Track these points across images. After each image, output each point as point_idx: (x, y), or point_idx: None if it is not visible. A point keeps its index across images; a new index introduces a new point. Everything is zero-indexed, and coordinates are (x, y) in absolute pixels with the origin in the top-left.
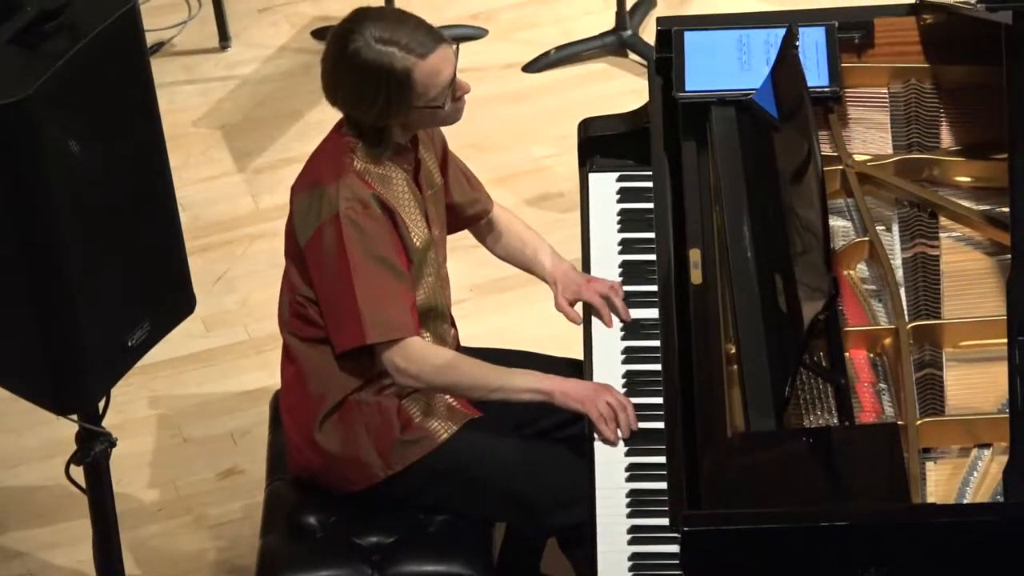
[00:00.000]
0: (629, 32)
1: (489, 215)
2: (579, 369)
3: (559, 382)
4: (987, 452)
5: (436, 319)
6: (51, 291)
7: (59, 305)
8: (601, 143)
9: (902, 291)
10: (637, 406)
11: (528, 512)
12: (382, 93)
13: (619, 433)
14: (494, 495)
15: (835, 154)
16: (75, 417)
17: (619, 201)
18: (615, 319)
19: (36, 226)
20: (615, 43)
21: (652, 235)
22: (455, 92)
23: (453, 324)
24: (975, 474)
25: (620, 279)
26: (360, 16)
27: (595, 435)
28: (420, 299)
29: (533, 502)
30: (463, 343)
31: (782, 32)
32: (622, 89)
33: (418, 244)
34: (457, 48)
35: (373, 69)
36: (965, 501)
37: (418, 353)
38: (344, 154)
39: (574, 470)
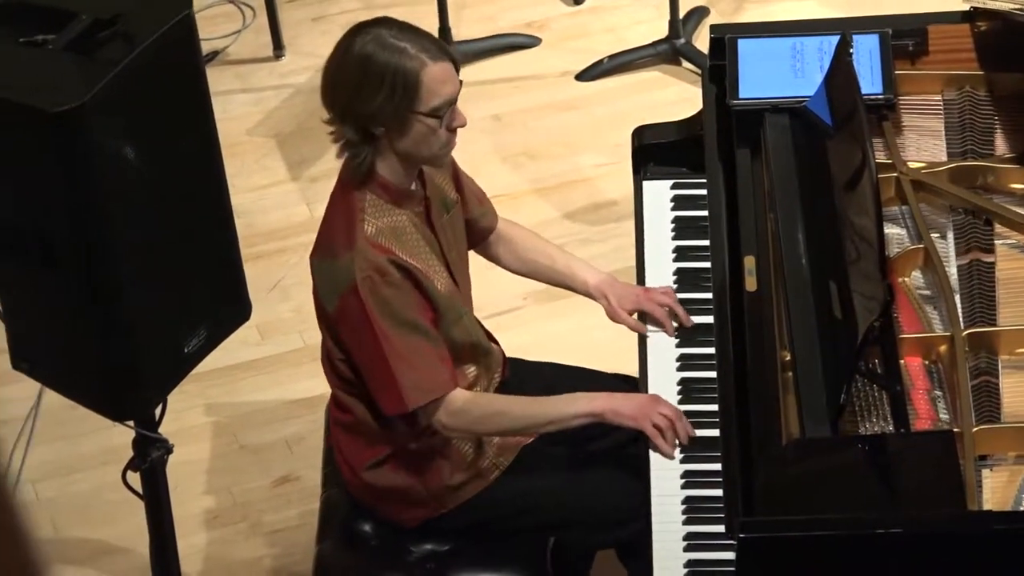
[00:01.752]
0: (682, 40)
1: (496, 230)
2: (632, 384)
3: (607, 400)
4: None
5: (478, 351)
6: (108, 297)
7: (116, 311)
8: (655, 151)
9: (957, 298)
10: (692, 413)
11: (582, 531)
12: (385, 88)
13: (676, 443)
14: (547, 521)
15: (889, 161)
16: (132, 423)
17: (673, 208)
18: (674, 325)
19: (93, 232)
20: (668, 51)
21: (706, 242)
22: (452, 118)
23: (493, 340)
24: None
25: (675, 286)
26: (371, 21)
27: (650, 447)
28: (460, 338)
29: (587, 523)
30: (514, 353)
31: (836, 40)
32: (675, 97)
33: (441, 289)
34: (461, 83)
35: (380, 63)
36: (1022, 508)
37: (461, 407)
38: (355, 215)
39: (628, 489)
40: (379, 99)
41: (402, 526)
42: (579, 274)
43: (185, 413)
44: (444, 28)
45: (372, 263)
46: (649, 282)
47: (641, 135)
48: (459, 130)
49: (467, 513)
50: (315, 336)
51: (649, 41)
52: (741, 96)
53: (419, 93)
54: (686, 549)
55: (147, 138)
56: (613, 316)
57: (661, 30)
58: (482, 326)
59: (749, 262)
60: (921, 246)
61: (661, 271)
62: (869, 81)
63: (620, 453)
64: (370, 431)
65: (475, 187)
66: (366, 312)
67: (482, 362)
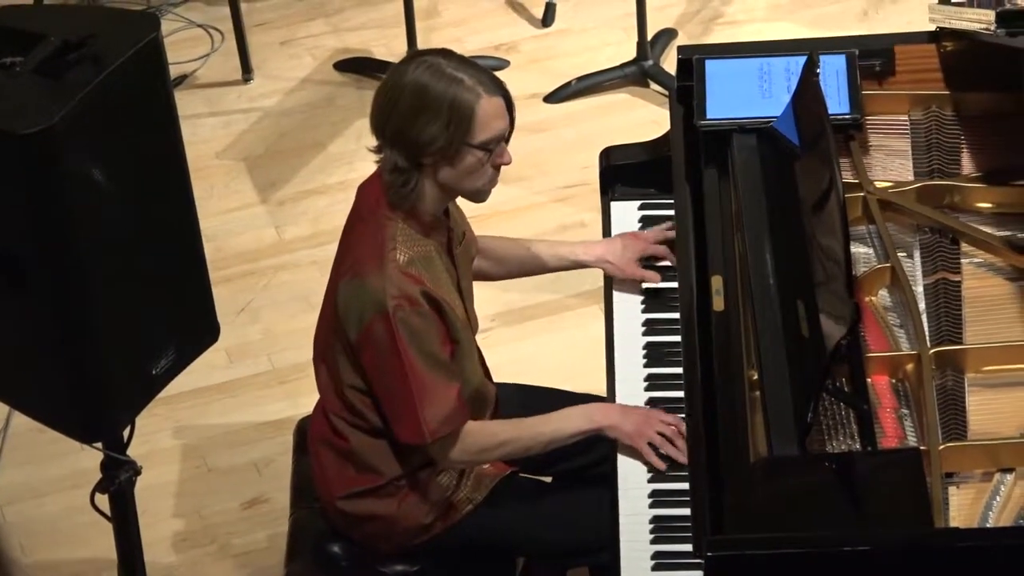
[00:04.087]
0: (650, 62)
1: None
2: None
3: (604, 415)
4: (1010, 476)
5: (483, 385)
6: (76, 319)
7: (84, 333)
8: (623, 171)
9: (924, 317)
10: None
11: (555, 558)
12: (442, 118)
13: (679, 456)
14: (519, 548)
15: (856, 181)
16: (100, 445)
17: (641, 229)
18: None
19: (61, 254)
20: (636, 73)
21: (673, 263)
22: (499, 155)
23: (488, 375)
24: (998, 498)
25: (643, 306)
26: (427, 51)
27: (618, 463)
28: (470, 370)
29: (560, 552)
30: None
31: (803, 60)
32: (643, 119)
33: (459, 320)
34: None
35: (438, 92)
36: (988, 525)
37: (470, 439)
38: (385, 242)
39: (600, 519)
40: (434, 128)
41: (373, 551)
42: (565, 253)
43: (154, 436)
44: (412, 50)
45: (404, 292)
46: (617, 301)
47: (609, 156)
48: None
49: (439, 544)
50: (283, 359)
51: (617, 63)
52: (708, 117)
53: (472, 126)
54: (654, 568)
55: (116, 160)
56: (623, 274)
57: (629, 52)
58: (483, 361)
59: (717, 282)
60: (888, 265)
61: (629, 290)
62: (836, 101)
63: (594, 472)
64: (361, 462)
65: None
66: (395, 340)
67: (484, 401)
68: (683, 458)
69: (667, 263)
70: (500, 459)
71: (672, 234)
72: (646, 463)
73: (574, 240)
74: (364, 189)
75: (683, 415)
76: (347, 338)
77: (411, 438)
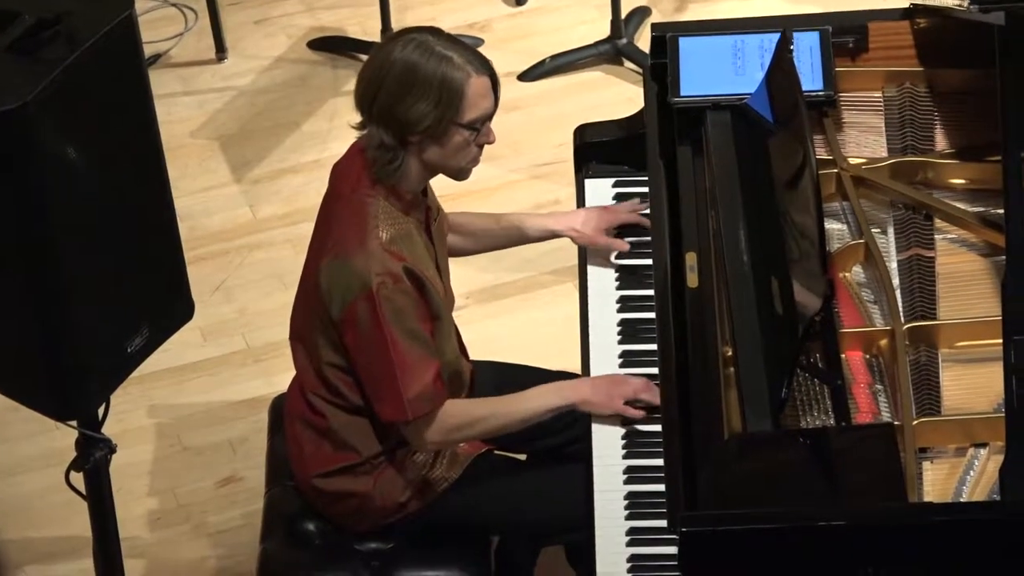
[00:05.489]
0: (624, 40)
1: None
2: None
3: (574, 391)
4: (983, 451)
5: (460, 363)
6: (50, 296)
7: (58, 310)
8: (597, 149)
9: (898, 293)
10: None
11: (530, 536)
12: (431, 95)
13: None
14: (494, 526)
15: (830, 157)
16: (75, 424)
17: (614, 204)
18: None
19: (34, 232)
20: (610, 51)
21: (648, 239)
22: (484, 134)
23: (464, 352)
24: (971, 473)
25: (617, 283)
26: (415, 28)
27: (593, 440)
28: (447, 349)
29: (534, 529)
30: None
31: (776, 37)
32: (618, 97)
33: (439, 297)
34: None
35: (427, 71)
36: (962, 500)
37: (447, 418)
38: (367, 220)
39: (575, 498)
40: (422, 106)
41: (348, 529)
42: (535, 223)
43: (128, 415)
44: (386, 30)
45: (387, 269)
46: (591, 278)
47: (583, 133)
48: None
49: (414, 522)
50: (258, 337)
51: (591, 41)
52: (682, 94)
53: (462, 104)
54: (629, 544)
55: (90, 139)
56: (591, 243)
57: (603, 30)
58: (459, 338)
59: (691, 258)
60: (862, 241)
61: (603, 267)
62: (810, 78)
63: (568, 450)
64: (339, 440)
65: None
66: (378, 317)
67: (460, 379)
68: (657, 400)
69: (639, 239)
70: (476, 438)
71: (643, 207)
72: (625, 422)
73: None
74: (341, 167)
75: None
76: (329, 317)
77: (392, 415)
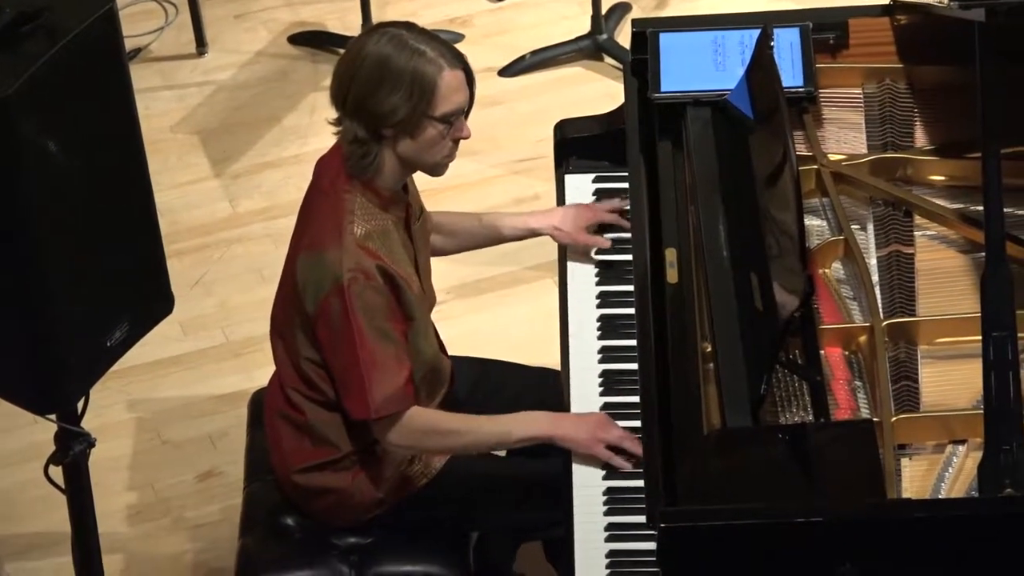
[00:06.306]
0: (604, 36)
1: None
2: (554, 377)
3: (553, 425)
4: (962, 448)
5: (437, 363)
6: (29, 290)
7: (37, 304)
8: (577, 144)
9: (877, 289)
10: (613, 405)
11: (508, 532)
12: (403, 89)
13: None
14: (473, 522)
15: (810, 154)
16: (54, 417)
17: (595, 202)
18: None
19: (14, 225)
20: (590, 47)
21: (628, 235)
22: (458, 129)
23: (444, 352)
24: (950, 470)
25: (597, 278)
26: (388, 23)
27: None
28: (425, 350)
29: (513, 525)
30: None
31: (757, 33)
32: (598, 93)
33: (414, 296)
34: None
35: (400, 64)
36: (940, 496)
37: (412, 423)
38: (343, 215)
39: (556, 489)
40: (395, 99)
41: (327, 524)
42: (516, 222)
43: (108, 409)
44: (366, 25)
45: (360, 265)
46: (571, 273)
47: (563, 129)
48: None
49: (393, 518)
50: (237, 332)
51: (572, 37)
52: (663, 90)
53: (434, 98)
54: (608, 539)
55: (70, 133)
56: (573, 242)
57: (583, 26)
58: (438, 336)
59: (670, 255)
60: (841, 237)
61: (583, 263)
62: (790, 74)
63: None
64: (318, 435)
65: None
66: (348, 313)
67: (439, 376)
68: (639, 451)
69: (619, 235)
70: (442, 452)
71: (625, 206)
72: (606, 465)
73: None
74: (323, 163)
75: (609, 396)
76: (305, 311)
77: (358, 413)
